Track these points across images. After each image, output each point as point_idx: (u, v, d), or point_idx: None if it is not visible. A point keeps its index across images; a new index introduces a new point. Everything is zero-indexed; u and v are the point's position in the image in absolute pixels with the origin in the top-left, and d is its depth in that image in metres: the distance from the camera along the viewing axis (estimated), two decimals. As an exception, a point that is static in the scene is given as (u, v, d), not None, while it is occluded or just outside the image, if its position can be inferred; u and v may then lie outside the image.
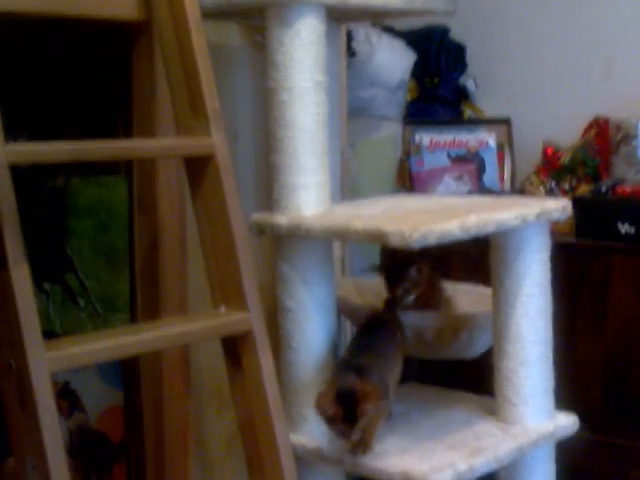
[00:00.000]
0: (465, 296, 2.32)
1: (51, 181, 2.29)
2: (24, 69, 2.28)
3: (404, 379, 2.07)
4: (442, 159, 3.15)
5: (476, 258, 2.19)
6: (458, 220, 1.84)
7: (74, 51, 2.24)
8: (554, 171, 3.08)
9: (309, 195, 2.01)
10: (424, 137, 3.15)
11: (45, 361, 1.53)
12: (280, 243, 2.02)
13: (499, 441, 1.97)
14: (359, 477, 1.98)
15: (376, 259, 2.70)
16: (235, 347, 1.84)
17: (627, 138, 2.98)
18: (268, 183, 2.07)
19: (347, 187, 2.63)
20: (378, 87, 3.14)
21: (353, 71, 2.96)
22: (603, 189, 2.89)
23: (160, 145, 1.97)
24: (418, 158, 3.15)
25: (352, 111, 2.90)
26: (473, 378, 2.19)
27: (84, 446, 2.33)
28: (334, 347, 2.03)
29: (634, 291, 2.61)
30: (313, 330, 2.01)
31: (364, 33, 3.07)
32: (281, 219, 1.98)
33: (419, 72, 3.30)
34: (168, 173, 2.09)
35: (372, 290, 2.32)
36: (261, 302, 1.85)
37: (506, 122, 3.20)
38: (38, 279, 1.60)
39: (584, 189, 2.99)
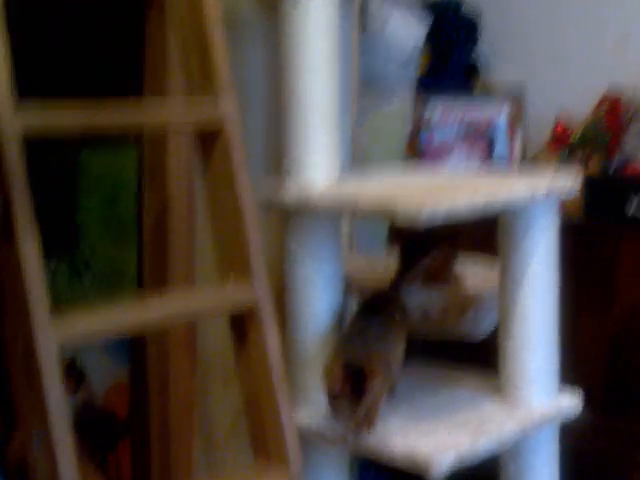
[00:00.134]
0: (471, 273, 2.32)
1: (62, 152, 2.29)
2: (38, 33, 2.27)
3: (408, 358, 2.07)
4: (453, 133, 3.14)
5: (483, 236, 2.18)
6: (467, 197, 1.83)
7: (88, 17, 2.23)
8: (565, 146, 3.07)
9: (318, 167, 2.01)
10: (435, 110, 3.14)
11: (53, 335, 1.54)
12: (288, 218, 2.02)
13: (503, 421, 1.98)
14: (362, 455, 1.99)
15: (384, 235, 2.70)
16: (241, 323, 1.85)
17: (638, 115, 2.97)
18: (278, 157, 2.07)
19: (357, 161, 2.63)
20: (390, 60, 3.12)
21: (365, 44, 2.94)
22: (613, 167, 2.88)
23: (171, 115, 1.96)
24: (428, 132, 3.14)
25: (363, 84, 2.88)
26: (477, 357, 2.19)
27: (89, 423, 2.34)
28: (341, 324, 2.03)
29: (642, 272, 2.61)
30: (320, 306, 2.01)
31: (377, 6, 3.05)
32: (290, 194, 1.98)
33: (431, 44, 3.28)
34: (178, 145, 2.09)
35: (380, 267, 2.32)
36: (268, 278, 1.86)
37: (518, 96, 3.19)
38: (47, 252, 1.59)
39: (594, 166, 2.97)
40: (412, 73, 3.22)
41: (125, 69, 2.20)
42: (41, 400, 1.51)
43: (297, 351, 2.03)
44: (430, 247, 2.21)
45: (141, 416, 2.15)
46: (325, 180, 2.01)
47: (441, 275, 2.24)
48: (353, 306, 2.21)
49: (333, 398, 1.80)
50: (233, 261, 1.86)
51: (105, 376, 2.29)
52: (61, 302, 2.29)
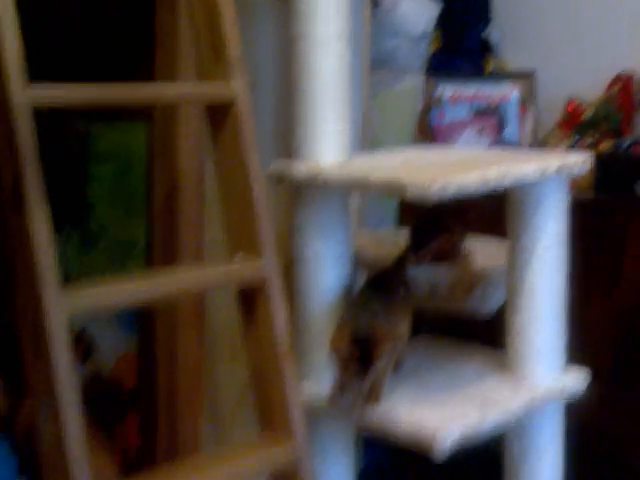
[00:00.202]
0: (480, 250, 2.32)
1: (73, 126, 2.30)
2: (49, 17, 2.28)
3: (415, 334, 2.08)
4: (463, 112, 3.13)
5: (492, 212, 2.18)
6: (477, 172, 1.84)
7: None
8: (576, 126, 3.06)
9: (328, 145, 2.01)
10: (446, 90, 3.13)
11: (62, 305, 1.55)
12: (298, 193, 2.02)
13: (510, 395, 1.98)
14: (367, 429, 2.00)
15: (393, 213, 2.70)
16: (250, 296, 1.86)
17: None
18: (288, 132, 2.07)
19: (367, 138, 2.63)
20: (401, 38, 3.12)
21: (377, 21, 2.94)
22: (625, 145, 2.88)
23: (182, 90, 1.97)
24: (439, 111, 3.14)
25: (374, 62, 2.89)
26: (484, 334, 2.20)
27: (98, 392, 2.35)
28: (349, 299, 2.03)
29: (651, 249, 2.61)
30: (328, 281, 2.02)
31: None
32: (299, 169, 1.98)
33: (443, 24, 3.27)
34: (188, 120, 2.10)
35: (388, 242, 2.32)
36: (277, 252, 1.86)
37: (529, 76, 3.18)
38: (57, 223, 1.61)
39: (606, 145, 2.97)
40: (424, 52, 3.22)
41: (136, 52, 2.20)
42: (50, 370, 1.52)
43: (305, 326, 2.04)
44: (441, 230, 2.21)
45: (149, 387, 2.16)
46: (335, 157, 2.01)
47: (450, 255, 2.24)
48: (361, 282, 2.21)
49: (341, 364, 1.80)
50: (242, 235, 1.86)
51: (114, 347, 2.31)
52: (71, 274, 2.31)
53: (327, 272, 2.02)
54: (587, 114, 3.06)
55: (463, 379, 2.08)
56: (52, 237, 1.57)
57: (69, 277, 1.81)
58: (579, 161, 2.03)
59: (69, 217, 2.31)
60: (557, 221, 2.04)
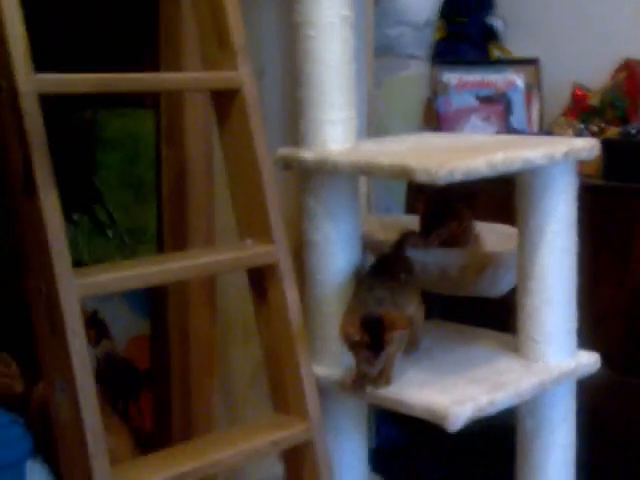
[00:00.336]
0: (490, 235, 2.32)
1: (80, 113, 2.30)
2: (54, 6, 2.28)
3: (427, 317, 2.08)
4: (469, 99, 3.13)
5: (501, 197, 2.18)
6: (485, 157, 1.84)
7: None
8: (583, 113, 3.06)
9: (335, 130, 2.01)
10: (452, 77, 3.14)
11: (74, 286, 1.56)
12: (306, 178, 2.03)
13: (521, 376, 1.98)
14: (380, 407, 2.00)
15: (401, 197, 2.70)
16: (261, 279, 1.86)
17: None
18: (294, 118, 2.07)
19: (373, 125, 2.63)
20: (406, 25, 3.12)
21: (380, 8, 2.94)
22: (632, 132, 2.87)
23: (187, 78, 1.98)
24: (445, 98, 3.14)
25: (379, 49, 2.89)
26: (496, 316, 2.20)
27: (111, 373, 2.36)
28: (358, 281, 2.04)
29: (659, 234, 2.60)
30: (338, 264, 2.02)
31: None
32: (307, 154, 1.99)
33: (447, 11, 3.27)
34: (195, 107, 2.10)
35: (396, 227, 2.32)
36: (286, 236, 1.87)
37: (535, 63, 3.18)
38: (67, 210, 1.61)
39: (612, 131, 2.96)
40: (429, 39, 3.22)
41: (141, 42, 2.21)
42: (64, 349, 1.53)
43: (315, 308, 2.04)
44: (450, 215, 2.21)
45: (162, 368, 2.17)
46: (342, 144, 2.01)
47: (460, 240, 2.25)
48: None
49: (353, 348, 1.80)
50: (252, 219, 1.87)
51: (127, 328, 2.31)
52: (82, 260, 2.32)
53: (337, 255, 2.02)
54: (593, 101, 3.06)
55: (474, 362, 2.08)
56: (63, 221, 1.58)
57: (80, 264, 1.81)
58: (587, 146, 2.03)
59: (78, 204, 2.32)
60: (566, 204, 2.04)
